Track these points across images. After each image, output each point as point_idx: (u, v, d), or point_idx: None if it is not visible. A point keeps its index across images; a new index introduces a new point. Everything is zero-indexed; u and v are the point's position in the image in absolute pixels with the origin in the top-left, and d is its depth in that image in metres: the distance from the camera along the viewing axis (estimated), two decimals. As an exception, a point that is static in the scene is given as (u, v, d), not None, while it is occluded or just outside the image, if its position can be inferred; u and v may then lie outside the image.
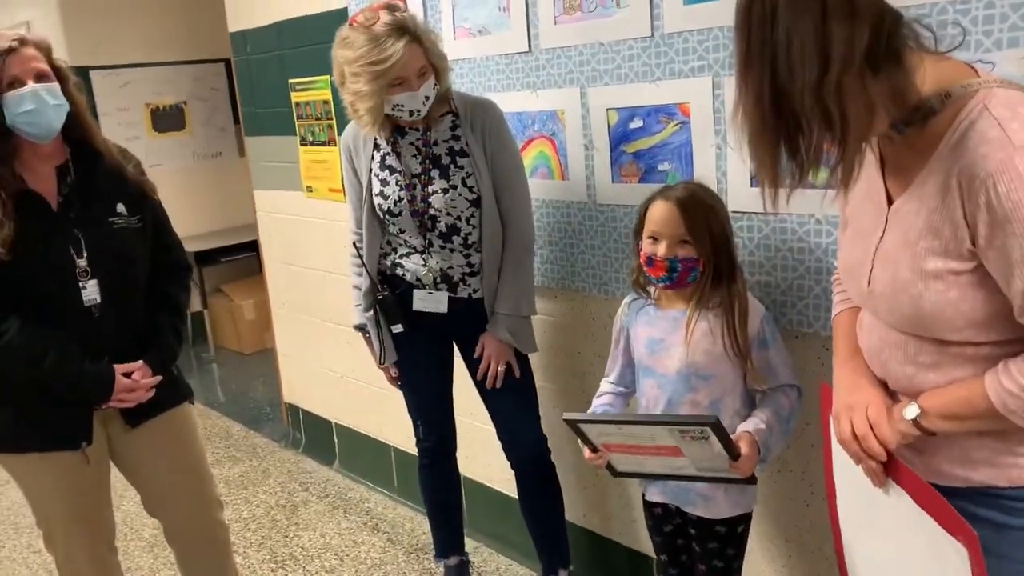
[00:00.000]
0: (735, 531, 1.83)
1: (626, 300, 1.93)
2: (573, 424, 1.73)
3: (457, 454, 2.48)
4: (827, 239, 1.77)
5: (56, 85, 1.83)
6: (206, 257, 5.27)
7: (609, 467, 1.82)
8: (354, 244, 2.26)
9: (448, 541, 2.52)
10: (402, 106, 2.01)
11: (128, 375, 1.91)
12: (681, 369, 1.76)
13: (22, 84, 1.77)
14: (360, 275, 2.28)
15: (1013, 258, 1.05)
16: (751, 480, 1.71)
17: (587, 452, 1.79)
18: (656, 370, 1.81)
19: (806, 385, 1.81)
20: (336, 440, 3.62)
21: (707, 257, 1.72)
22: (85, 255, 1.87)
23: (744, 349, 1.73)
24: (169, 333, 2.03)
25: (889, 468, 1.27)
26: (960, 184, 1.07)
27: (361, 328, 2.30)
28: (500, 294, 2.17)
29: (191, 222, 5.47)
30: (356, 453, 3.50)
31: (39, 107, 1.78)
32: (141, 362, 1.94)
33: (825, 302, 1.80)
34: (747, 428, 1.70)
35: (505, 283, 2.17)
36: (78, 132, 1.91)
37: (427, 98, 2.02)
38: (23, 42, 1.80)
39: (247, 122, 3.60)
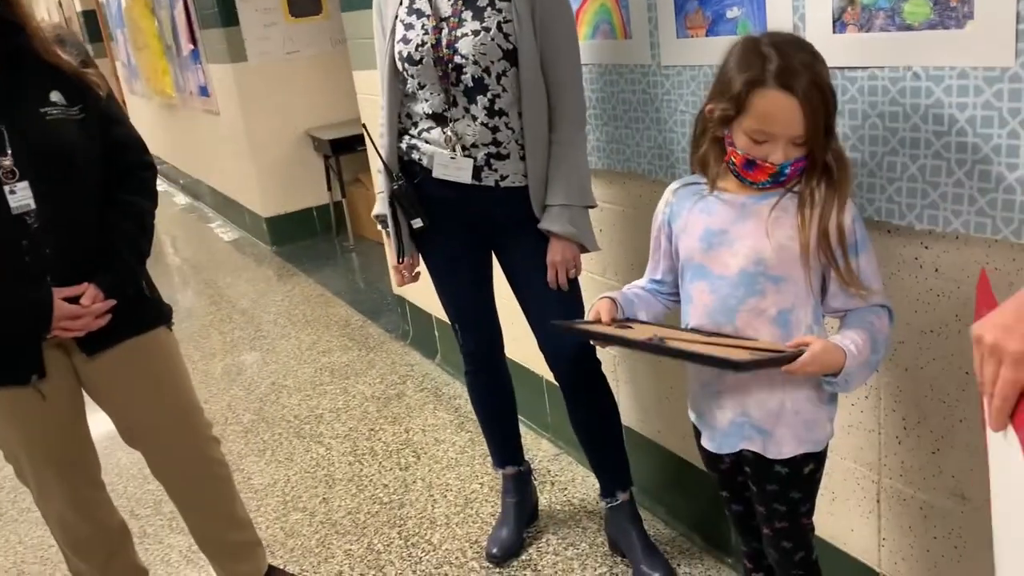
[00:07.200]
0: (799, 472, 1.47)
1: (672, 187, 1.53)
2: (575, 330, 1.41)
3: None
4: (926, 99, 1.30)
5: None
6: (343, 145, 5.14)
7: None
8: (363, 126, 1.97)
9: (502, 451, 2.30)
10: None
11: (74, 300, 1.64)
12: (747, 267, 1.37)
13: None
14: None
15: None
16: (789, 359, 1.29)
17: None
18: (711, 270, 1.42)
19: (895, 300, 1.40)
20: (437, 334, 3.49)
21: (816, 152, 1.31)
22: (10, 152, 1.56)
23: (843, 244, 1.32)
24: (124, 248, 1.72)
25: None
26: None
27: (381, 219, 2.03)
28: (553, 182, 1.84)
29: (329, 110, 5.42)
30: (455, 348, 3.34)
31: None
32: (87, 284, 1.66)
33: (922, 184, 1.35)
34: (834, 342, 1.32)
35: (557, 169, 1.83)
36: (3, 8, 1.55)
37: None
38: None
39: (342, -5, 3.38)
